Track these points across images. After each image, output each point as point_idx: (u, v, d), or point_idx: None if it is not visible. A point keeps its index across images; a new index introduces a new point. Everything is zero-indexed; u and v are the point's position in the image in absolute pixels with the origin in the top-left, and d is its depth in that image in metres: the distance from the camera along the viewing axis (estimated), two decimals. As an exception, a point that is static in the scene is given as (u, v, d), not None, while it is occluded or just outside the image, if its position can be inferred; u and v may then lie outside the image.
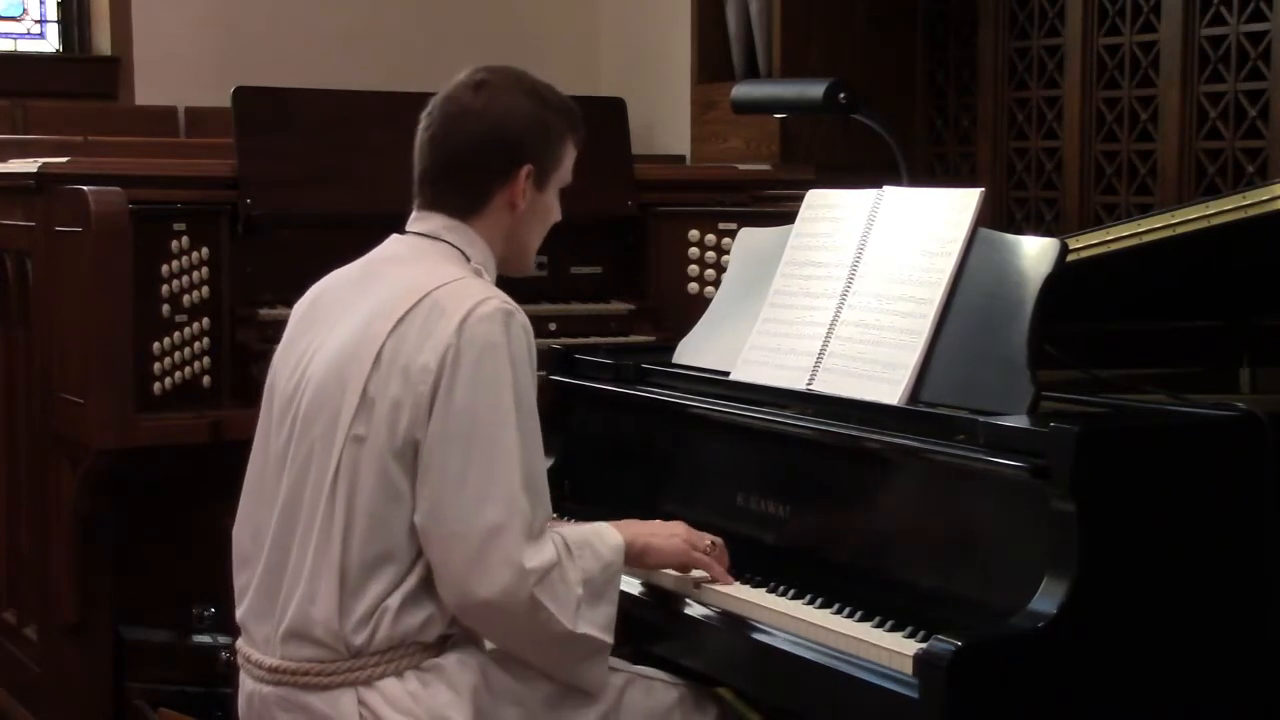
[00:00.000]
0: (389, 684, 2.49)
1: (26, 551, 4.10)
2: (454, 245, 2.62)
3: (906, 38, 5.98)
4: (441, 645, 2.54)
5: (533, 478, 2.50)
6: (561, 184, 2.71)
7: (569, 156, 2.70)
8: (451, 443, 2.45)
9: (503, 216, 2.64)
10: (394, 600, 2.48)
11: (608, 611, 2.56)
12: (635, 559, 2.67)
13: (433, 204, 2.65)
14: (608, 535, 2.61)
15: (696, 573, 2.73)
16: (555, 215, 2.73)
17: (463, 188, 2.63)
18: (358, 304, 2.59)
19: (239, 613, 2.64)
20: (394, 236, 2.69)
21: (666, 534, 2.72)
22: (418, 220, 2.67)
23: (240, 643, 2.64)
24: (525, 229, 2.68)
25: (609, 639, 2.56)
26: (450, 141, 2.62)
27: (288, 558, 2.53)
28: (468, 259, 2.62)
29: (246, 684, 2.61)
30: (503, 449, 2.46)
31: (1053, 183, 5.51)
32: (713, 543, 2.72)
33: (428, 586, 2.50)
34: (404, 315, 2.50)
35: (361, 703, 2.49)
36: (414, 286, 2.53)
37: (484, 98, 2.62)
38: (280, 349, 2.68)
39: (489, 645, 2.60)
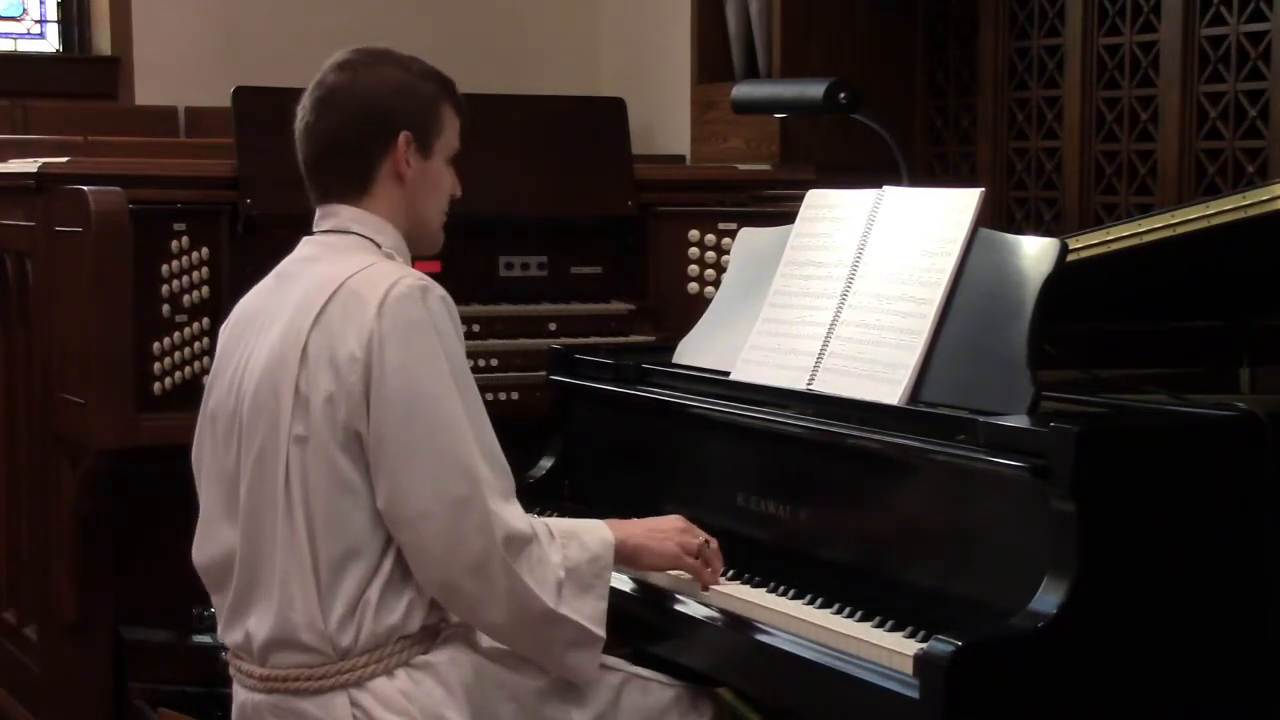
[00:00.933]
0: (380, 684, 2.49)
1: (26, 551, 4.10)
2: (363, 235, 2.62)
3: (906, 38, 5.97)
4: (428, 639, 2.54)
5: (486, 446, 2.50)
6: (449, 153, 2.69)
7: (450, 123, 2.68)
8: (397, 427, 2.45)
9: (394, 190, 2.63)
10: (373, 593, 2.48)
11: (597, 605, 2.55)
12: (627, 558, 2.67)
13: (326, 194, 2.65)
14: (598, 530, 2.62)
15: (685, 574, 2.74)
16: (451, 186, 2.71)
17: (347, 168, 2.63)
18: (278, 309, 2.58)
19: (219, 632, 2.63)
20: (304, 239, 2.69)
21: (661, 536, 2.71)
22: (322, 218, 2.66)
23: (229, 654, 2.64)
24: (420, 201, 2.66)
25: (600, 632, 2.56)
26: (323, 124, 2.62)
27: (259, 571, 2.52)
28: (379, 246, 2.61)
29: (239, 693, 2.61)
30: (449, 422, 2.46)
31: (1053, 183, 5.50)
32: (706, 542, 2.73)
33: (403, 574, 2.50)
34: (322, 308, 2.50)
35: (354, 704, 2.49)
36: (328, 279, 2.53)
37: (349, 75, 2.62)
38: (212, 374, 2.68)
39: (482, 643, 2.60)
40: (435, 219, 2.71)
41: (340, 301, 2.50)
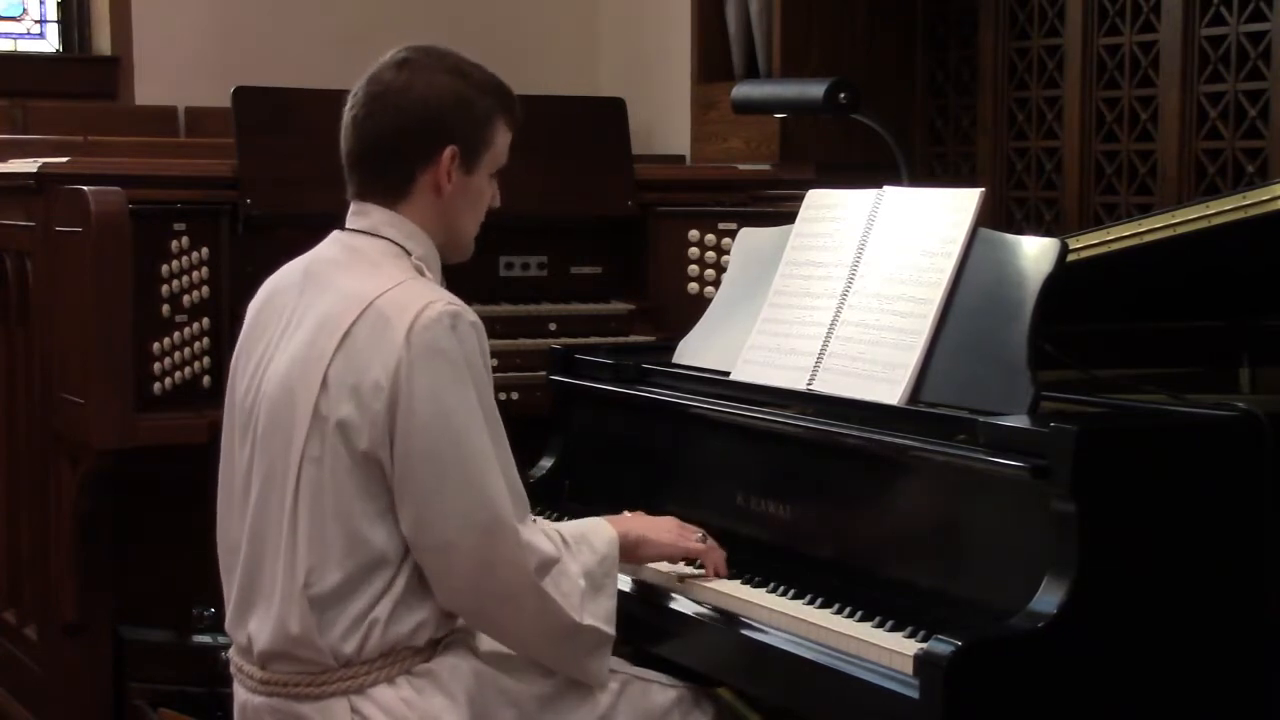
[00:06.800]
0: (382, 691, 2.48)
1: (26, 551, 4.10)
2: (393, 241, 2.56)
3: (907, 38, 5.97)
4: (433, 649, 2.54)
5: (510, 476, 2.48)
6: (495, 166, 2.61)
7: (501, 137, 2.60)
8: (423, 457, 2.42)
9: (430, 200, 2.56)
10: (382, 610, 2.46)
11: (608, 605, 2.56)
12: (630, 551, 2.67)
13: (362, 191, 2.58)
14: (602, 529, 2.62)
15: (686, 569, 2.75)
16: (491, 198, 2.64)
17: (386, 171, 2.55)
18: (304, 312, 2.53)
19: (226, 622, 2.62)
20: (334, 234, 2.61)
21: (659, 528, 2.73)
22: (355, 215, 2.60)
23: (232, 651, 2.63)
24: (456, 214, 2.59)
25: (612, 631, 2.57)
26: (371, 122, 2.54)
27: (261, 577, 2.51)
28: (409, 253, 2.55)
29: (240, 693, 2.60)
30: (477, 452, 2.44)
31: (1053, 183, 5.50)
32: (702, 537, 2.75)
33: (416, 592, 2.48)
34: (348, 330, 2.44)
35: (355, 711, 2.48)
36: (356, 296, 2.47)
37: (405, 77, 2.54)
38: (236, 354, 2.63)
39: (483, 648, 2.60)
40: (469, 232, 2.64)
41: (368, 323, 2.44)
